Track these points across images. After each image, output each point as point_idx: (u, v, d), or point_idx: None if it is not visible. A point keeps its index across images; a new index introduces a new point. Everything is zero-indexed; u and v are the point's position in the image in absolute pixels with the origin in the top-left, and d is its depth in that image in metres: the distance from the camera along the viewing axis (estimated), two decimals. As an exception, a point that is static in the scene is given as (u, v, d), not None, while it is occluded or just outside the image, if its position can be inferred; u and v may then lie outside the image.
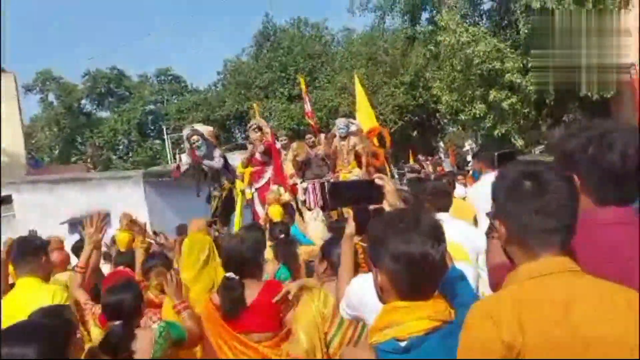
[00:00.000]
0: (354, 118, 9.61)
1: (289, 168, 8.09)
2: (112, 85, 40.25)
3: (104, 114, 42.95)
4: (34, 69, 40.68)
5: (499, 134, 16.59)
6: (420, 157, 29.26)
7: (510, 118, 16.35)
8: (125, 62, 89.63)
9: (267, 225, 5.31)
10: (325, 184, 7.77)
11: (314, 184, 7.98)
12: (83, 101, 41.44)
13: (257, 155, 7.72)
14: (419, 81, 28.16)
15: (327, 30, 38.81)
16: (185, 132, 7.72)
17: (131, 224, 4.17)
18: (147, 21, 77.08)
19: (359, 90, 10.32)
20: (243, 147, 32.96)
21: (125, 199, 10.40)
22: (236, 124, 37.60)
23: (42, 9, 77.57)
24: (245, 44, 39.38)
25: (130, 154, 40.29)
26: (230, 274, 2.84)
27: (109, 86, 40.11)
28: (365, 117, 9.43)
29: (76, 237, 10.72)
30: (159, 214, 10.27)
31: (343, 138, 8.16)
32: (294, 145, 8.62)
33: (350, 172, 7.97)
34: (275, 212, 5.70)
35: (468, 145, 51.60)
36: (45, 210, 10.76)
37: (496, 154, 4.09)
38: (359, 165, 8.00)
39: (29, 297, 2.77)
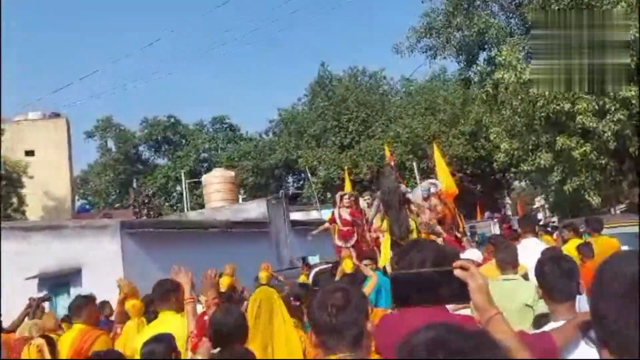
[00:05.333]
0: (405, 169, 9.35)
1: (376, 223, 8.89)
2: (168, 133, 40.57)
3: (160, 160, 43.38)
4: (95, 116, 41.78)
5: (570, 190, 13.95)
6: (488, 214, 26.65)
7: (583, 170, 13.72)
8: (182, 109, 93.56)
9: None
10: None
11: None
12: (140, 148, 42.02)
13: (347, 216, 8.71)
14: (481, 131, 25.89)
15: (384, 79, 37.53)
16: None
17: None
18: (206, 67, 79.61)
19: (437, 158, 11.27)
20: (294, 197, 31.62)
21: (100, 250, 9.31)
22: (286, 173, 36.44)
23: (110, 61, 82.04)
24: (301, 94, 38.60)
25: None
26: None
27: (165, 133, 40.46)
28: (444, 181, 10.37)
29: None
30: (138, 265, 9.03)
31: (425, 199, 9.15)
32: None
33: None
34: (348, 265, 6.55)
35: (538, 202, 47.38)
36: (18, 259, 9.55)
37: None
38: (440, 224, 8.80)
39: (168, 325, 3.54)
